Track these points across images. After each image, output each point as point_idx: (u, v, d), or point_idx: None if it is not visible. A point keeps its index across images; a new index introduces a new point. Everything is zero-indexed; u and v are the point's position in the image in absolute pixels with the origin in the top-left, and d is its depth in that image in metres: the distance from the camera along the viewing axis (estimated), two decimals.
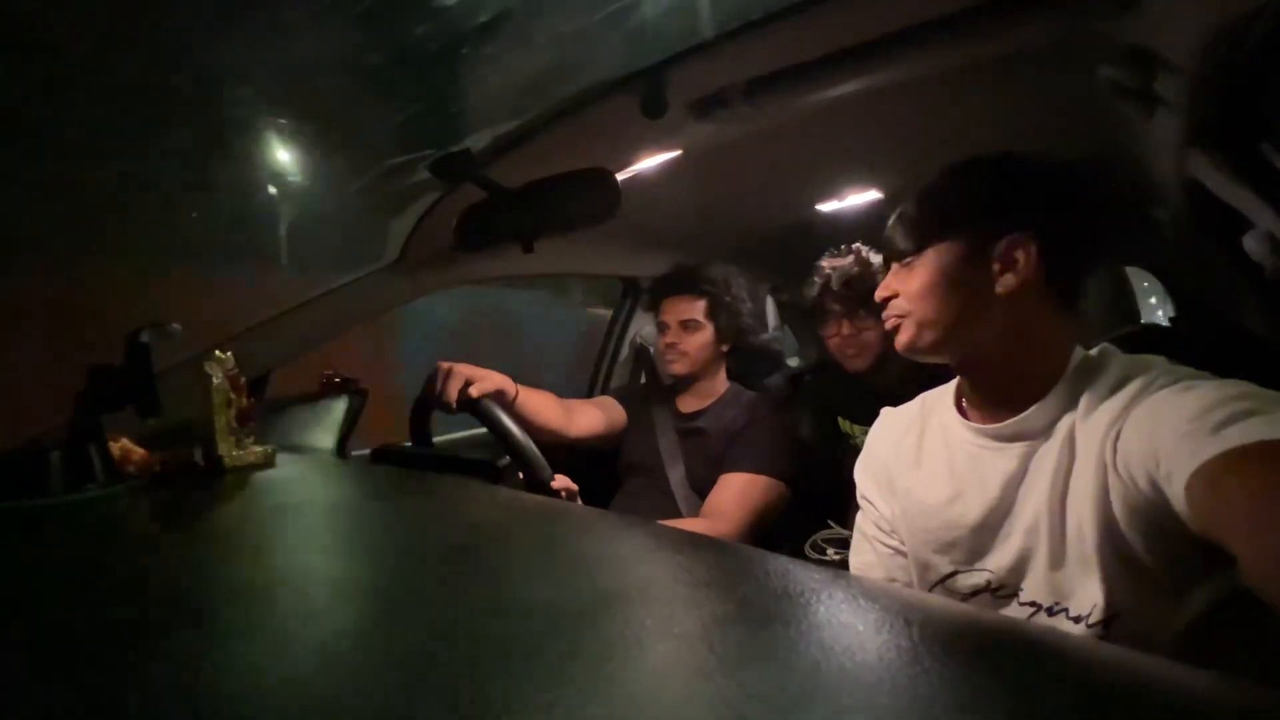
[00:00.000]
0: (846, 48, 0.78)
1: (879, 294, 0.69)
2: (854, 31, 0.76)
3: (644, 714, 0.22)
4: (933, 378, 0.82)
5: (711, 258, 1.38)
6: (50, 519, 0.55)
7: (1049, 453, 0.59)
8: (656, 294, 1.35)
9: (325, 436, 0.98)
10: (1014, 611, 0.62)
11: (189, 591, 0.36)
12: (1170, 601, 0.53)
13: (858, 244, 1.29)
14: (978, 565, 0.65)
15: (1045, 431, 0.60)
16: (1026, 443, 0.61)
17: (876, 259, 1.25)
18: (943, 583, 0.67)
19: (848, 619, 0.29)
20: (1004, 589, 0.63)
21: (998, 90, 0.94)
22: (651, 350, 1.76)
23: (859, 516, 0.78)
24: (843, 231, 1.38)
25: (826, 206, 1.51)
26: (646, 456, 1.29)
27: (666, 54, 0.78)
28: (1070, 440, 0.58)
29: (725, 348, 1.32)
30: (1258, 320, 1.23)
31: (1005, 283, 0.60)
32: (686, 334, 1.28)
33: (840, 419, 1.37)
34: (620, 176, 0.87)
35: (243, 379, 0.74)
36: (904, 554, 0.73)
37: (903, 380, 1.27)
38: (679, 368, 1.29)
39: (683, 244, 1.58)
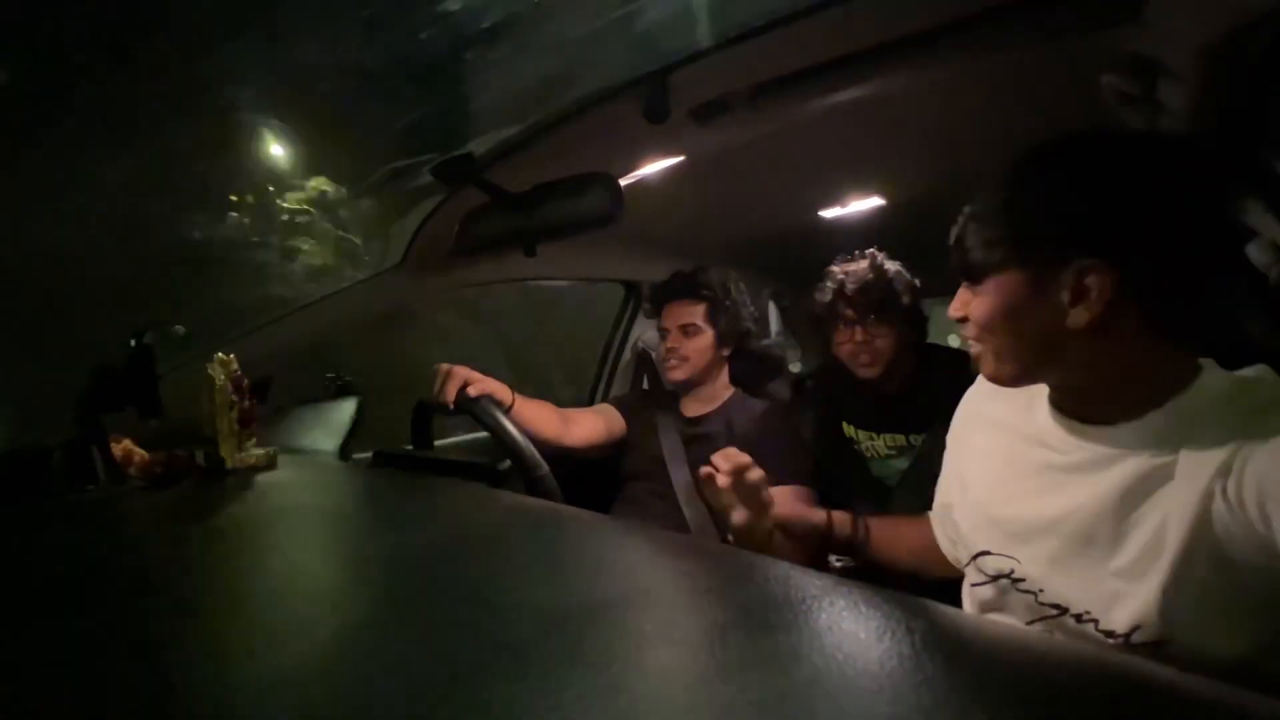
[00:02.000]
0: (848, 54, 0.78)
1: (952, 311, 0.63)
2: (856, 38, 0.76)
3: None
4: (942, 387, 0.82)
5: (713, 262, 1.38)
6: (52, 519, 0.55)
7: (1129, 462, 0.54)
8: (657, 300, 1.35)
9: (327, 439, 0.98)
10: (1032, 609, 0.60)
11: (188, 593, 0.36)
12: (1238, 644, 0.49)
13: (872, 249, 1.28)
14: (1008, 552, 0.62)
15: (1135, 445, 0.54)
16: (1110, 449, 0.56)
17: (891, 266, 1.24)
18: (977, 559, 0.66)
19: (849, 626, 0.29)
20: (1025, 583, 0.60)
21: (999, 98, 0.94)
22: (654, 355, 1.76)
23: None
24: (845, 237, 1.38)
25: (829, 212, 1.51)
26: (648, 462, 1.29)
27: (669, 59, 0.79)
28: (1162, 455, 0.52)
29: (726, 352, 1.32)
30: (1262, 329, 1.23)
31: (1076, 318, 0.52)
32: (687, 339, 1.28)
33: (845, 424, 1.36)
34: (623, 181, 0.87)
35: (246, 381, 0.74)
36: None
37: (913, 388, 1.26)
38: (679, 373, 1.29)
39: (685, 248, 1.59)
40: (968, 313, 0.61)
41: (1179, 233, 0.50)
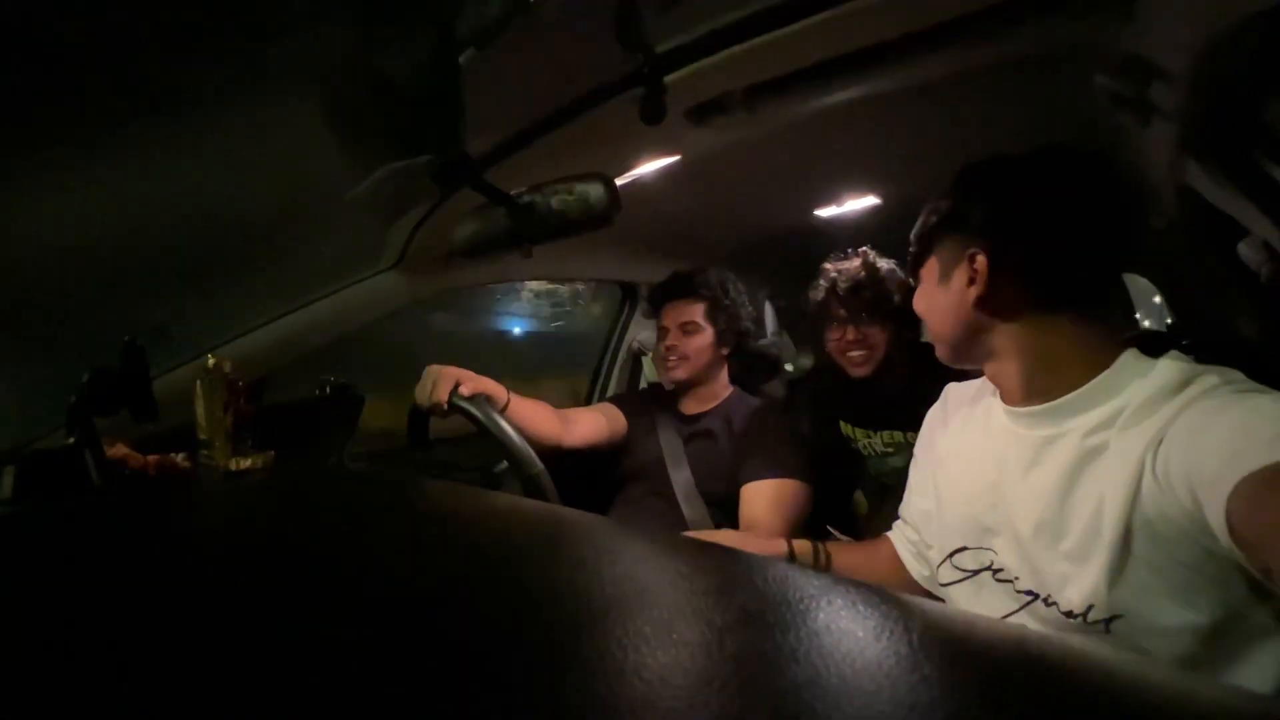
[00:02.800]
0: (845, 54, 0.78)
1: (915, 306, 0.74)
2: (853, 38, 0.76)
3: None
4: (938, 385, 0.82)
5: (709, 263, 1.38)
6: (45, 524, 0.55)
7: (1063, 445, 0.59)
8: (656, 300, 1.36)
9: (323, 441, 0.98)
10: (1011, 597, 0.63)
11: (184, 597, 0.36)
12: (1182, 614, 0.51)
13: (865, 248, 1.29)
14: (983, 544, 0.66)
15: (1064, 424, 0.60)
16: (1044, 432, 0.61)
17: (884, 264, 1.25)
18: (951, 557, 0.69)
19: (847, 625, 0.29)
20: (1004, 572, 0.64)
21: (995, 97, 0.95)
22: (650, 355, 1.75)
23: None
24: (841, 237, 1.38)
25: (825, 212, 1.51)
26: (648, 461, 1.29)
27: (666, 59, 0.79)
28: (1092, 436, 0.57)
29: (725, 351, 1.32)
30: (1253, 327, 1.24)
31: (971, 294, 0.63)
32: (686, 337, 1.28)
33: (842, 422, 1.36)
34: (619, 181, 0.87)
35: (240, 383, 0.74)
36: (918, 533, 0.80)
37: (909, 385, 1.27)
38: (679, 373, 1.29)
39: (681, 249, 1.59)
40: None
41: (1048, 224, 0.61)
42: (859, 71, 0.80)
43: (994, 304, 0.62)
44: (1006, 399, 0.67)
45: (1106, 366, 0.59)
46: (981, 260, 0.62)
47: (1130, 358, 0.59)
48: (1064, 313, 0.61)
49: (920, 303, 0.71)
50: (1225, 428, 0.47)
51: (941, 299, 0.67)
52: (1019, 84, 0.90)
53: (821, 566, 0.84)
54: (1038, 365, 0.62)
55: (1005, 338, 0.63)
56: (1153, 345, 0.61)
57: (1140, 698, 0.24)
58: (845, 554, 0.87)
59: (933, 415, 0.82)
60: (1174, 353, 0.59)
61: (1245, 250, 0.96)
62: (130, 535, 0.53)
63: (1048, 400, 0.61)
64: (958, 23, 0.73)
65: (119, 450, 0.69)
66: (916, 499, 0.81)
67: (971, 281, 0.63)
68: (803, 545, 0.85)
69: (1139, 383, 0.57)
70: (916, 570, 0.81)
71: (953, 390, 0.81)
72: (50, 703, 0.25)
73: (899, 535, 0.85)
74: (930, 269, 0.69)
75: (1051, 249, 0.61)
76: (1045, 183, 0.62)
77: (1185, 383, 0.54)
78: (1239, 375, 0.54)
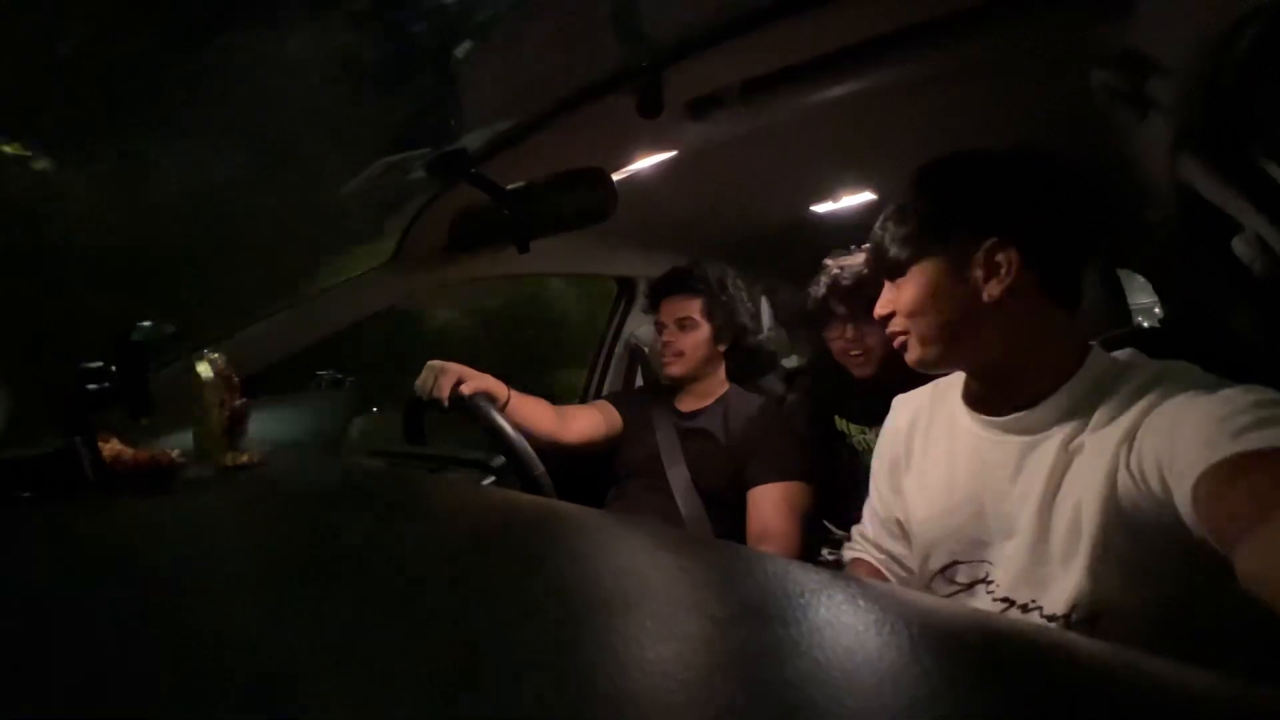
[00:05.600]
0: (842, 48, 0.78)
1: (878, 310, 0.70)
2: (850, 32, 0.76)
3: (644, 717, 0.22)
4: (926, 381, 0.82)
5: (706, 257, 1.38)
6: (38, 519, 0.54)
7: (1045, 450, 0.59)
8: (654, 296, 1.35)
9: (319, 435, 0.98)
10: (989, 608, 0.62)
11: (183, 592, 0.35)
12: (1162, 603, 0.53)
13: (868, 244, 1.28)
14: (978, 557, 0.66)
15: (1046, 429, 0.60)
16: (1025, 438, 0.61)
17: None
18: (943, 572, 0.68)
19: (848, 620, 0.29)
20: (993, 584, 0.64)
21: (992, 92, 0.95)
22: (647, 351, 1.75)
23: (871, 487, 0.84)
24: (837, 232, 1.38)
25: (821, 207, 1.51)
26: (644, 458, 1.29)
27: (663, 53, 0.78)
28: (1071, 439, 0.58)
29: (723, 347, 1.32)
30: (1247, 322, 1.24)
31: (990, 290, 0.60)
32: (683, 333, 1.28)
33: (837, 418, 1.37)
34: (616, 176, 0.87)
35: (236, 378, 0.73)
36: (885, 551, 0.79)
37: (905, 381, 1.26)
38: (677, 369, 1.29)
39: (678, 244, 1.59)
40: (894, 306, 0.67)
41: (1060, 218, 0.62)
42: (856, 66, 0.80)
43: (1010, 300, 0.60)
44: (980, 406, 0.66)
45: (1078, 367, 0.60)
46: (1009, 254, 0.59)
47: (1097, 357, 0.61)
48: (1063, 309, 0.61)
49: (913, 303, 0.65)
50: (1194, 420, 0.49)
51: (947, 298, 0.63)
52: (1017, 79, 0.90)
53: None
54: (1026, 364, 0.62)
55: (1003, 329, 0.61)
56: (1139, 343, 0.62)
57: (1136, 688, 0.24)
58: None
59: (891, 431, 0.80)
60: (1132, 350, 0.61)
61: (1239, 246, 0.97)
62: (125, 531, 0.53)
63: (1025, 406, 0.61)
64: (954, 18, 0.73)
65: (114, 446, 0.68)
66: (883, 512, 0.80)
67: (990, 276, 0.60)
68: None
69: (1109, 381, 0.58)
70: (891, 572, 0.80)
71: (901, 403, 0.80)
72: (49, 700, 0.25)
73: (874, 556, 0.82)
74: (928, 267, 0.64)
75: (1069, 243, 0.62)
76: (1053, 177, 0.62)
77: (1153, 378, 0.56)
78: (1198, 369, 0.56)
